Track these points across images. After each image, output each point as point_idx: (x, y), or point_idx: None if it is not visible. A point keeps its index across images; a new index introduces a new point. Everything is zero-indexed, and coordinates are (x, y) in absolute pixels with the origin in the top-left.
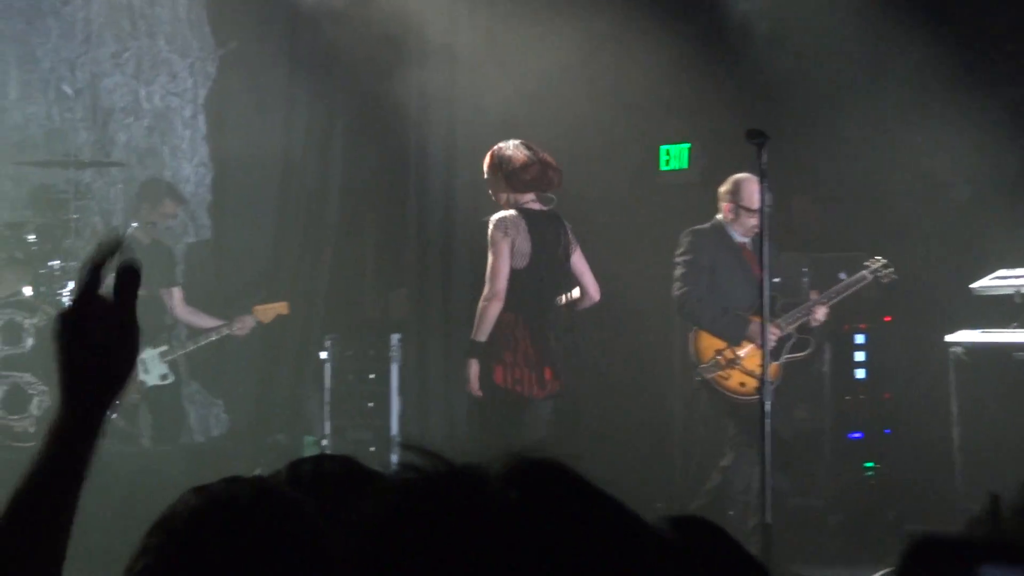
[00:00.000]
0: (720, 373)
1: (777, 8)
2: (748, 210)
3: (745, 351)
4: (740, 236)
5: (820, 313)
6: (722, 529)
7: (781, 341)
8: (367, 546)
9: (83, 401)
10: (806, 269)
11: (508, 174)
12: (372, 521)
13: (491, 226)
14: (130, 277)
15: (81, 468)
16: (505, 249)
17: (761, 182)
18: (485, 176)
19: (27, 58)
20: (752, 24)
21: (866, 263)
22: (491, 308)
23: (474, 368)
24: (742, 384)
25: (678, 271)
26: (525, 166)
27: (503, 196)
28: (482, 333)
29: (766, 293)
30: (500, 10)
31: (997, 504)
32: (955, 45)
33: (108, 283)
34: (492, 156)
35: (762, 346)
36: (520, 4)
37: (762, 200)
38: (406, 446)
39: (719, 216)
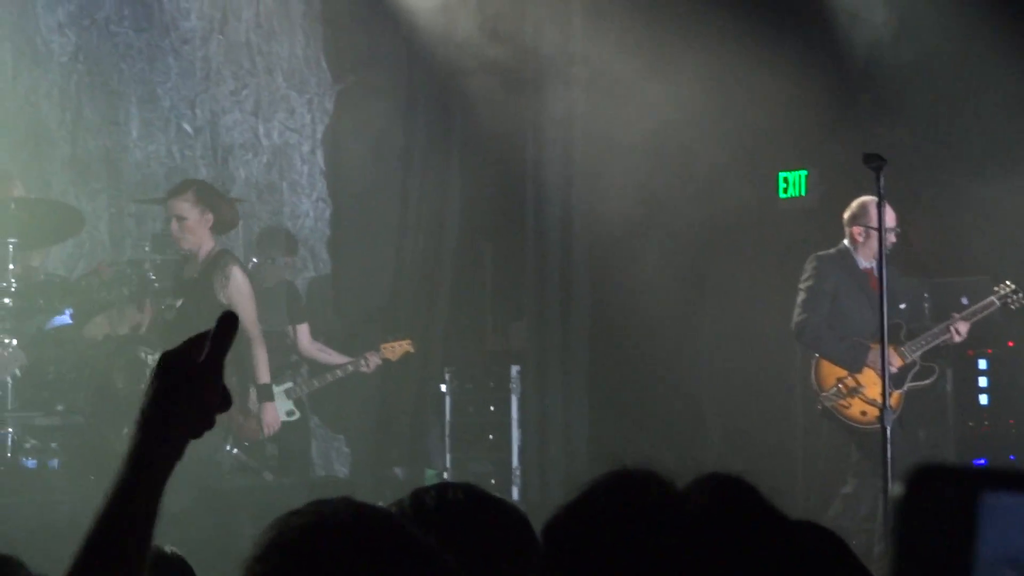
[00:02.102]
0: (842, 401)
1: (900, 35)
2: (875, 229)
3: (867, 379)
4: (866, 261)
5: (963, 328)
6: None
7: (904, 369)
8: (569, 526)
9: (160, 438)
10: (927, 295)
11: (219, 215)
12: (578, 500)
13: (238, 270)
14: (228, 329)
15: (156, 494)
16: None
17: (880, 205)
18: (187, 216)
19: (148, 97)
20: (874, 51)
21: (995, 287)
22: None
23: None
24: (863, 413)
25: (800, 297)
26: (230, 208)
27: (204, 236)
28: (267, 375)
29: (884, 317)
30: (621, 37)
31: None
32: None
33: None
34: (199, 195)
35: (882, 372)
36: (642, 32)
37: (880, 222)
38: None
39: (845, 242)
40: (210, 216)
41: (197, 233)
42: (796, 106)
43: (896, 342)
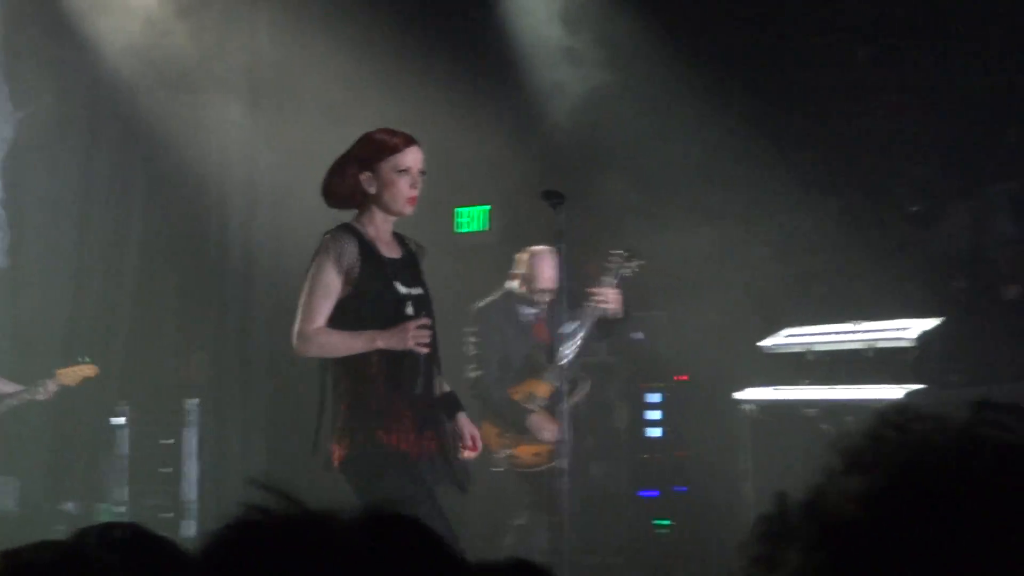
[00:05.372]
0: (511, 453)
1: (584, 77)
2: (540, 290)
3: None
4: (529, 308)
5: (612, 296)
6: None
7: (556, 395)
8: None
9: None
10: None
11: None
12: (212, 561)
13: None
14: None
15: None
16: None
17: (558, 242)
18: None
19: None
20: (557, 91)
21: (607, 263)
22: None
23: None
24: (536, 455)
25: (471, 351)
26: None
27: None
28: None
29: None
30: (307, 66)
31: (785, 502)
32: (752, 110)
33: None
34: None
35: (554, 407)
36: (328, 61)
37: (562, 262)
38: (264, 487)
39: (511, 284)
40: None
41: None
42: (480, 141)
43: (538, 376)
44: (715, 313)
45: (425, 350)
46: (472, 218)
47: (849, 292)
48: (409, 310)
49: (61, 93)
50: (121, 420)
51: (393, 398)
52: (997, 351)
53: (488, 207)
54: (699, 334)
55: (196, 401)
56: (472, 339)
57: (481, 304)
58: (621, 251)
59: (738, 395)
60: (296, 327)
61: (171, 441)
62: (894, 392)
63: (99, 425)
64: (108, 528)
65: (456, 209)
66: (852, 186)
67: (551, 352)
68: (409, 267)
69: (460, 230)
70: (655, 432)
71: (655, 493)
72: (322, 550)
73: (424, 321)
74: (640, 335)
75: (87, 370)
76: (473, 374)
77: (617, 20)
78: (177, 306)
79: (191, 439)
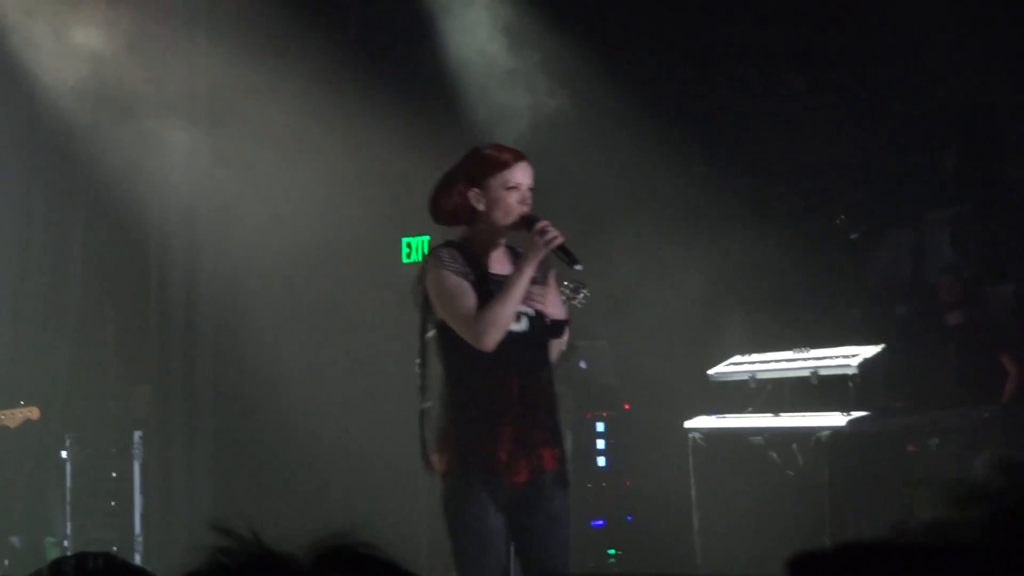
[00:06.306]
0: None
1: (529, 103)
2: None
3: None
4: None
5: (551, 297)
6: None
7: None
8: None
9: None
10: None
11: None
12: None
13: None
14: None
15: None
16: None
17: None
18: None
19: None
20: (503, 117)
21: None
22: None
23: None
24: None
25: (420, 381)
26: None
27: None
28: None
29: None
30: (245, 97)
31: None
32: (692, 138)
33: None
34: None
35: None
36: (265, 86)
37: None
38: (223, 530)
39: None
40: None
41: None
42: (426, 169)
43: None
44: (657, 341)
45: (558, 240)
46: (416, 248)
47: (791, 319)
48: (519, 327)
49: None
50: (64, 454)
51: (497, 414)
52: (939, 378)
53: (428, 237)
54: (642, 362)
55: (140, 434)
56: (420, 369)
57: (429, 334)
58: (569, 282)
59: (687, 424)
60: (466, 333)
61: (116, 474)
62: (838, 419)
63: (43, 459)
64: (83, 558)
65: (403, 239)
66: (792, 213)
67: None
68: None
69: (406, 260)
70: (600, 461)
71: (601, 523)
72: None
73: (544, 223)
74: (583, 364)
75: (31, 412)
76: (424, 405)
77: (559, 44)
78: (120, 338)
79: (136, 472)
